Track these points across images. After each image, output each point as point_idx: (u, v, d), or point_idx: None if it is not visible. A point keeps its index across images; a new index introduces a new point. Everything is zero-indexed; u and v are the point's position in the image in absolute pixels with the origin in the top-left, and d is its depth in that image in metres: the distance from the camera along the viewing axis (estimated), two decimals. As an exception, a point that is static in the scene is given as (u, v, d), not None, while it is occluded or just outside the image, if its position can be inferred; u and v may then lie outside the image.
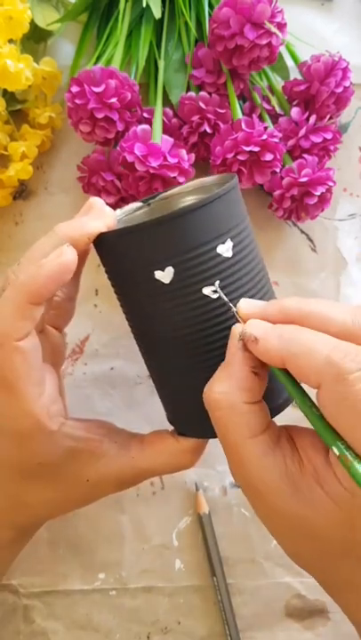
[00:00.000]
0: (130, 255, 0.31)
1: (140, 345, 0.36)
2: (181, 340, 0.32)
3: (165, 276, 0.31)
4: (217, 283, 0.31)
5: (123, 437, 0.36)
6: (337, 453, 0.26)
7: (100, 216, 0.33)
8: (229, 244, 0.31)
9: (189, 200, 0.38)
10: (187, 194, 0.38)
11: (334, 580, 0.31)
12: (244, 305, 0.30)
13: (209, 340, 0.32)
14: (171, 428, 0.37)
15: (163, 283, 0.31)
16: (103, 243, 0.33)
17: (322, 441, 0.28)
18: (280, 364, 0.28)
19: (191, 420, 0.35)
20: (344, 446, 0.26)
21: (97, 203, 0.34)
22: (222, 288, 0.31)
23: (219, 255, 0.31)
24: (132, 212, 0.38)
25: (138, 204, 0.38)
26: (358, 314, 0.28)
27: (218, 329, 0.32)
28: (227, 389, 0.29)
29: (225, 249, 0.31)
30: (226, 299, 0.31)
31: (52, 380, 0.34)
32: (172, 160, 0.42)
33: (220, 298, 0.31)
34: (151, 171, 0.41)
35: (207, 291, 0.31)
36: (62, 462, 0.34)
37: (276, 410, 0.33)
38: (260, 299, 0.33)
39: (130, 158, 0.41)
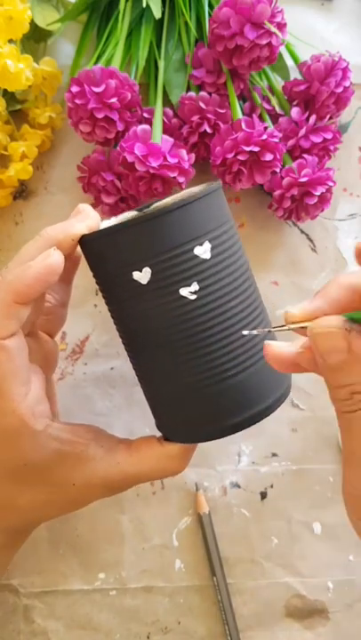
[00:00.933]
0: (109, 256, 0.32)
1: (125, 346, 0.36)
2: (162, 342, 0.32)
3: (143, 276, 0.31)
4: (194, 284, 0.31)
5: (110, 442, 0.36)
6: None
7: (84, 219, 0.33)
8: (207, 245, 0.31)
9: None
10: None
11: None
12: (294, 310, 0.27)
13: (189, 341, 0.32)
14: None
15: (140, 283, 0.31)
16: (86, 245, 0.33)
17: None
18: None
19: (176, 424, 0.35)
20: None
21: (84, 208, 0.34)
22: (201, 289, 0.31)
23: (196, 257, 0.31)
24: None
25: (133, 212, 0.39)
26: None
27: (197, 330, 0.32)
28: None
29: (202, 250, 0.31)
30: (256, 332, 0.32)
31: (39, 381, 0.34)
32: (172, 160, 0.42)
33: (198, 299, 0.31)
34: (151, 171, 0.41)
35: (184, 292, 0.31)
36: (49, 464, 0.34)
37: (267, 410, 0.34)
38: (243, 302, 0.33)
39: (130, 158, 0.41)
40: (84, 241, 0.33)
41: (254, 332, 0.32)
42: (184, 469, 0.36)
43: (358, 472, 0.27)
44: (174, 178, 0.43)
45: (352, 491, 0.28)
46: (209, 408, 0.33)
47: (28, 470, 0.33)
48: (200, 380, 0.32)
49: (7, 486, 0.34)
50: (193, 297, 0.31)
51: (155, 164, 0.41)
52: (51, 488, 0.34)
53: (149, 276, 0.31)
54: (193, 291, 0.31)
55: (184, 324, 0.32)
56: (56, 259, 0.31)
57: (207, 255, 0.31)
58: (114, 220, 0.37)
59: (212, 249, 0.32)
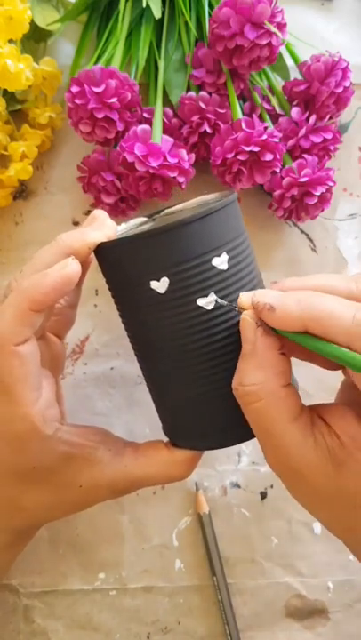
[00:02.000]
0: (127, 265, 0.32)
1: (137, 354, 0.36)
2: (176, 351, 0.32)
3: (161, 286, 0.31)
4: (211, 294, 0.31)
5: (117, 445, 0.36)
6: None
7: (101, 227, 0.33)
8: (225, 257, 0.31)
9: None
10: (191, 210, 0.38)
11: None
12: (245, 297, 0.31)
13: (204, 350, 0.32)
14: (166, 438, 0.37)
15: (158, 293, 0.31)
16: (102, 252, 0.33)
17: (349, 411, 0.30)
18: (300, 327, 0.28)
19: (185, 431, 0.35)
20: None
21: (100, 214, 0.35)
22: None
23: (214, 267, 0.31)
24: (137, 226, 0.38)
25: (142, 218, 0.39)
26: (357, 279, 0.29)
27: (212, 340, 0.32)
28: (262, 378, 0.29)
29: (220, 262, 0.31)
30: (224, 302, 0.31)
31: (50, 385, 0.35)
32: (172, 160, 0.42)
33: (214, 309, 0.31)
34: (151, 171, 0.41)
35: (202, 302, 0.31)
36: (57, 467, 0.34)
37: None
38: None
39: (130, 158, 0.41)
40: (101, 249, 0.33)
41: (211, 302, 0.31)
42: (189, 475, 0.36)
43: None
44: (174, 178, 0.43)
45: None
46: (220, 417, 0.33)
47: (36, 472, 0.34)
48: (213, 389, 0.33)
49: (14, 488, 0.34)
50: (210, 307, 0.31)
51: (155, 163, 0.41)
52: (57, 489, 0.35)
53: (167, 285, 0.31)
54: (210, 301, 0.31)
55: (199, 334, 0.32)
56: (74, 268, 0.31)
57: (224, 266, 0.31)
58: (124, 226, 0.38)
59: (230, 260, 0.32)
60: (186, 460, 0.36)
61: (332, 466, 0.28)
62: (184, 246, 0.31)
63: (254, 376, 0.29)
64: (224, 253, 0.31)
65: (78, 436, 0.35)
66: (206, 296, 0.31)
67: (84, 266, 0.35)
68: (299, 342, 0.29)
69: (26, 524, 0.37)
